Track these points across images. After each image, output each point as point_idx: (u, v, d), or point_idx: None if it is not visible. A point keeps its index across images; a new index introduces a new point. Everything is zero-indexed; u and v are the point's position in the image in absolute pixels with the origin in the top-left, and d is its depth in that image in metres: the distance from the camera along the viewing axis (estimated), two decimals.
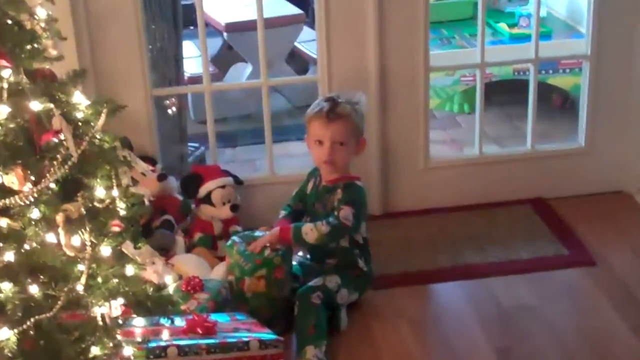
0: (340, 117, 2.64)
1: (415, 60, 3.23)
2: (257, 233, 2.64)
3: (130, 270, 1.81)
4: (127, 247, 1.81)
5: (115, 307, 1.78)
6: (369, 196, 2.84)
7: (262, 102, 3.26)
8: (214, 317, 2.42)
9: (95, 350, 1.74)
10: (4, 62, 1.63)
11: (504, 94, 4.52)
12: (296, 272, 2.72)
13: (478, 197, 3.42)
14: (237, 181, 3.19)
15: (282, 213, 2.76)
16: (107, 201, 1.79)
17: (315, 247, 2.69)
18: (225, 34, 4.78)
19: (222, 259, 2.99)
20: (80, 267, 1.71)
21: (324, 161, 2.67)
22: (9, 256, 1.63)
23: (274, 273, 2.57)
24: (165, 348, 2.23)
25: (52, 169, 1.66)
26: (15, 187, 1.65)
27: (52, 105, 1.69)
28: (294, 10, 4.82)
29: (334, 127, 2.63)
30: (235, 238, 2.62)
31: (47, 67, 1.76)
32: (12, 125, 1.64)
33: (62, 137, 1.69)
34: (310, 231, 2.54)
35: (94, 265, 1.73)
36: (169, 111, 3.46)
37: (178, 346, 2.25)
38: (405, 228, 3.28)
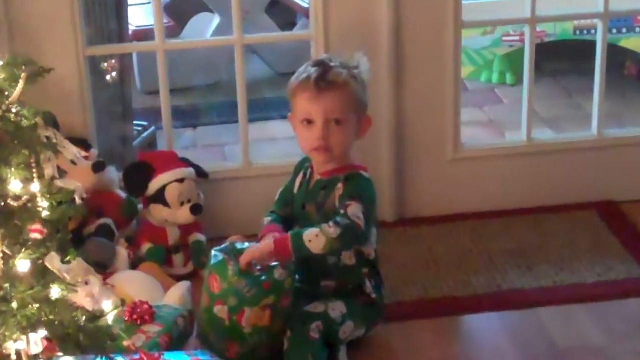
0: (333, 87, 2.62)
1: (442, 12, 3.22)
2: (239, 245, 2.62)
3: (55, 292, 1.80)
4: (52, 261, 1.81)
5: (36, 341, 1.77)
6: (380, 198, 2.83)
7: (234, 67, 3.25)
8: (168, 356, 2.42)
9: None
10: None
11: (561, 59, 4.52)
12: None
13: (525, 198, 3.43)
14: (200, 173, 3.18)
15: (267, 220, 2.74)
16: (25, 198, 1.78)
17: (309, 265, 2.67)
18: None
19: (179, 278, 2.99)
20: None
21: (315, 147, 2.65)
22: None
23: (282, 301, 2.56)
24: None
25: None
26: None
27: None
28: None
29: (327, 100, 2.61)
30: (218, 254, 2.60)
31: None
32: None
33: None
34: (316, 237, 2.51)
35: (6, 285, 1.72)
36: (108, 78, 3.45)
37: None
38: (427, 240, 3.28)
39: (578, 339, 2.81)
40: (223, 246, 2.63)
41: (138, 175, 3.11)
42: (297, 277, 2.66)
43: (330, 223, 2.52)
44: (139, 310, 2.61)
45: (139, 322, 2.59)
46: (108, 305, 2.37)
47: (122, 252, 2.99)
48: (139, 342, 2.53)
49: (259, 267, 2.55)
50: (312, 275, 2.70)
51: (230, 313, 2.54)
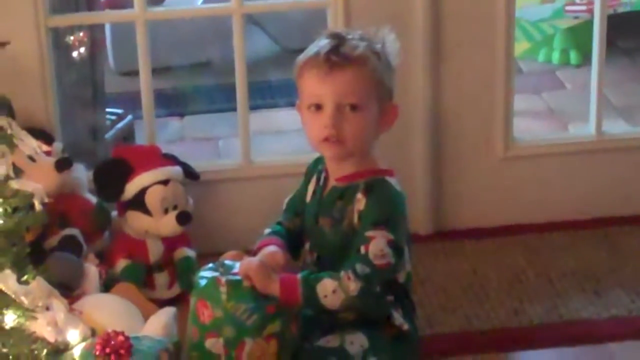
0: (348, 62, 2.58)
1: None
2: (229, 262, 2.62)
3: (10, 319, 1.80)
4: (6, 281, 1.81)
5: None
6: (412, 205, 2.82)
7: (229, 43, 3.26)
8: None
9: None
10: None
11: (639, 35, 4.51)
12: None
13: (593, 207, 3.43)
14: (189, 174, 3.19)
15: (267, 231, 2.73)
16: None
17: None
18: None
19: (162, 302, 2.98)
20: None
21: (324, 138, 2.62)
22: None
23: (290, 326, 2.56)
24: None
25: None
26: None
27: None
28: None
29: (339, 79, 2.57)
30: (207, 274, 2.59)
31: None
32: None
33: None
34: (333, 294, 2.48)
35: None
36: (75, 54, 3.46)
37: None
38: (471, 258, 3.28)
39: None
40: (209, 265, 2.63)
41: (112, 175, 3.10)
42: None
43: (350, 273, 2.50)
44: (112, 343, 2.61)
45: (112, 357, 2.60)
46: (74, 336, 2.38)
47: (92, 271, 2.98)
48: None
49: None
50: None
51: (228, 347, 2.53)
